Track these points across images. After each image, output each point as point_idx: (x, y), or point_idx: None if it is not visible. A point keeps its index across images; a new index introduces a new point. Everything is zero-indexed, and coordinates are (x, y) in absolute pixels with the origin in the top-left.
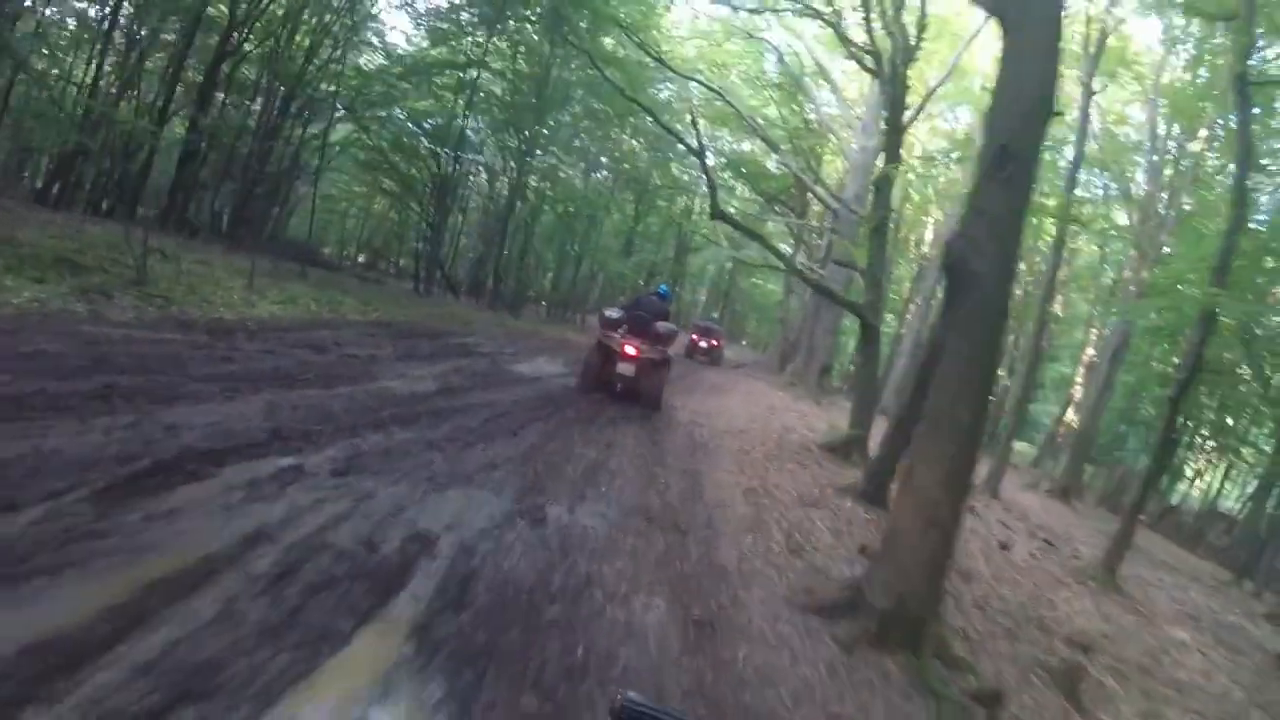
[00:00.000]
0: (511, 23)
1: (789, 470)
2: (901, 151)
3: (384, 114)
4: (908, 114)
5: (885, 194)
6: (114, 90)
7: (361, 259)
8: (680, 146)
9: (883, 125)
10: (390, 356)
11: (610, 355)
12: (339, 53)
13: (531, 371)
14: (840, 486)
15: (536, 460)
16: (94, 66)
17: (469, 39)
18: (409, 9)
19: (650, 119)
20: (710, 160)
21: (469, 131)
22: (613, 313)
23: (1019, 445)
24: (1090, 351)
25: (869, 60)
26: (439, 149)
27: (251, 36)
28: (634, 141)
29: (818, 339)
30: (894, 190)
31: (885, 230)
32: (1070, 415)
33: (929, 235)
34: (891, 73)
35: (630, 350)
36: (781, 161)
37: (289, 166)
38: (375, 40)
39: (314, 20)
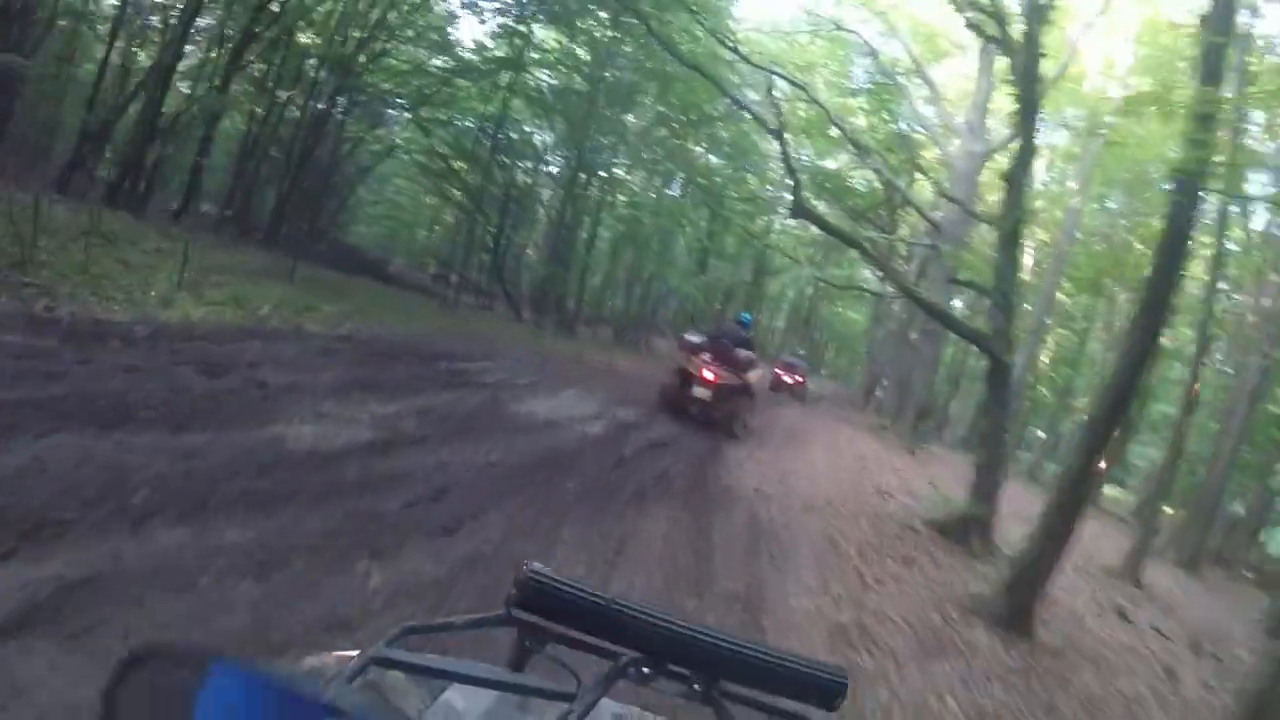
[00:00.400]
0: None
1: (892, 574)
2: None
3: (444, 116)
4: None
5: (1019, 191)
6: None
7: (432, 271)
8: (758, 158)
9: (983, 127)
10: (327, 385)
11: (688, 379)
12: (390, 45)
13: (545, 412)
14: (965, 603)
15: (465, 589)
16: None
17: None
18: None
19: (725, 102)
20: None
21: (535, 137)
22: (695, 337)
23: (1110, 491)
24: (1197, 387)
25: (990, 26)
26: (500, 155)
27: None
28: (710, 157)
29: (915, 376)
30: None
31: (1019, 238)
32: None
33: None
34: (1024, 38)
35: (708, 375)
36: (875, 168)
37: (340, 165)
38: (435, 36)
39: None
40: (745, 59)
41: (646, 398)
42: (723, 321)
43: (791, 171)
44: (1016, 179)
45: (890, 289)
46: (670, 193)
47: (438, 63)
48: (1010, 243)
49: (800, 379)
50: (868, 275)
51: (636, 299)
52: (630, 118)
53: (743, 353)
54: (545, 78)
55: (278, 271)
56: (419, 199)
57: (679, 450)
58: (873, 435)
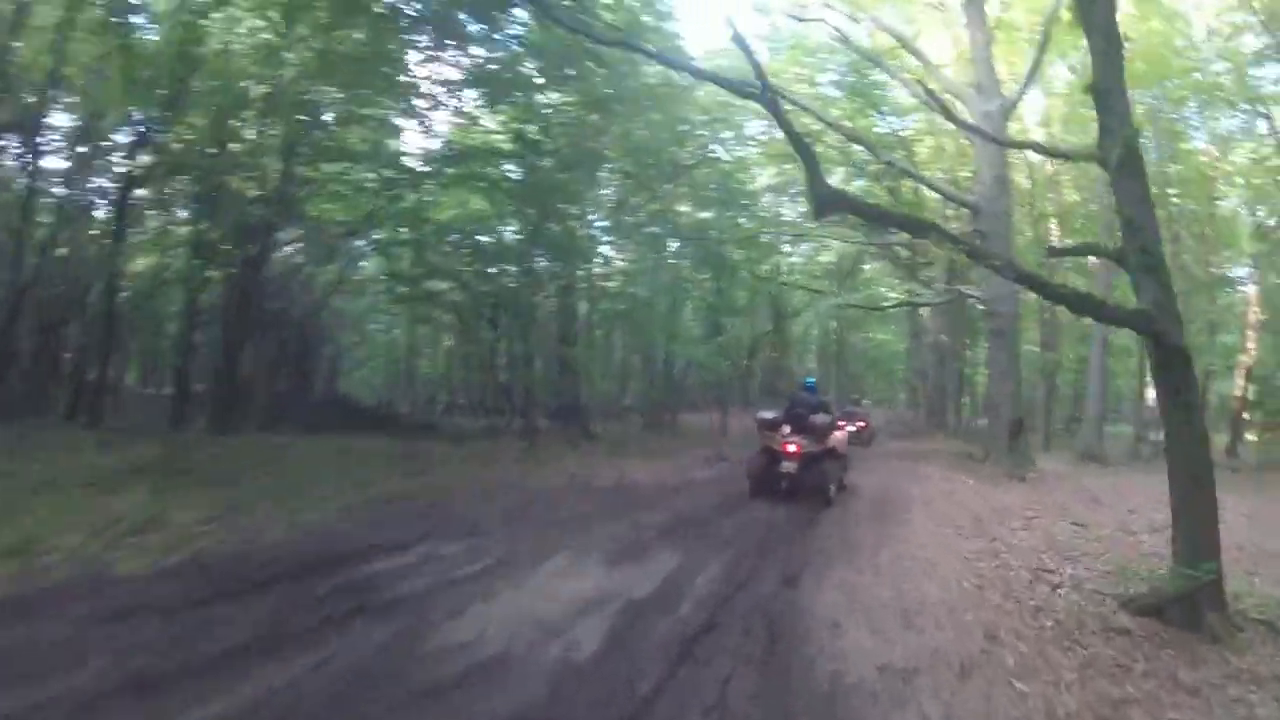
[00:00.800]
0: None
1: None
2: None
3: (404, 234)
4: None
5: (1116, 96)
6: None
7: (441, 406)
8: (746, 201)
9: (993, 81)
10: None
11: (774, 456)
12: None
13: (486, 649)
14: None
15: None
16: None
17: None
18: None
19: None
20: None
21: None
22: (768, 414)
23: None
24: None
25: None
26: (477, 264)
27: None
28: (700, 214)
29: (996, 388)
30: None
31: (1139, 165)
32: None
33: None
34: None
35: (791, 449)
36: (887, 160)
37: (304, 313)
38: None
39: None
40: (713, 78)
41: (674, 525)
42: (794, 392)
43: (801, 148)
44: (1108, 78)
45: (926, 296)
46: (665, 258)
47: (377, 176)
48: (1131, 173)
49: (864, 424)
50: (887, 292)
51: (657, 379)
52: (606, 192)
53: (820, 418)
54: (508, 170)
55: (166, 466)
56: (414, 331)
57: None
58: (965, 470)
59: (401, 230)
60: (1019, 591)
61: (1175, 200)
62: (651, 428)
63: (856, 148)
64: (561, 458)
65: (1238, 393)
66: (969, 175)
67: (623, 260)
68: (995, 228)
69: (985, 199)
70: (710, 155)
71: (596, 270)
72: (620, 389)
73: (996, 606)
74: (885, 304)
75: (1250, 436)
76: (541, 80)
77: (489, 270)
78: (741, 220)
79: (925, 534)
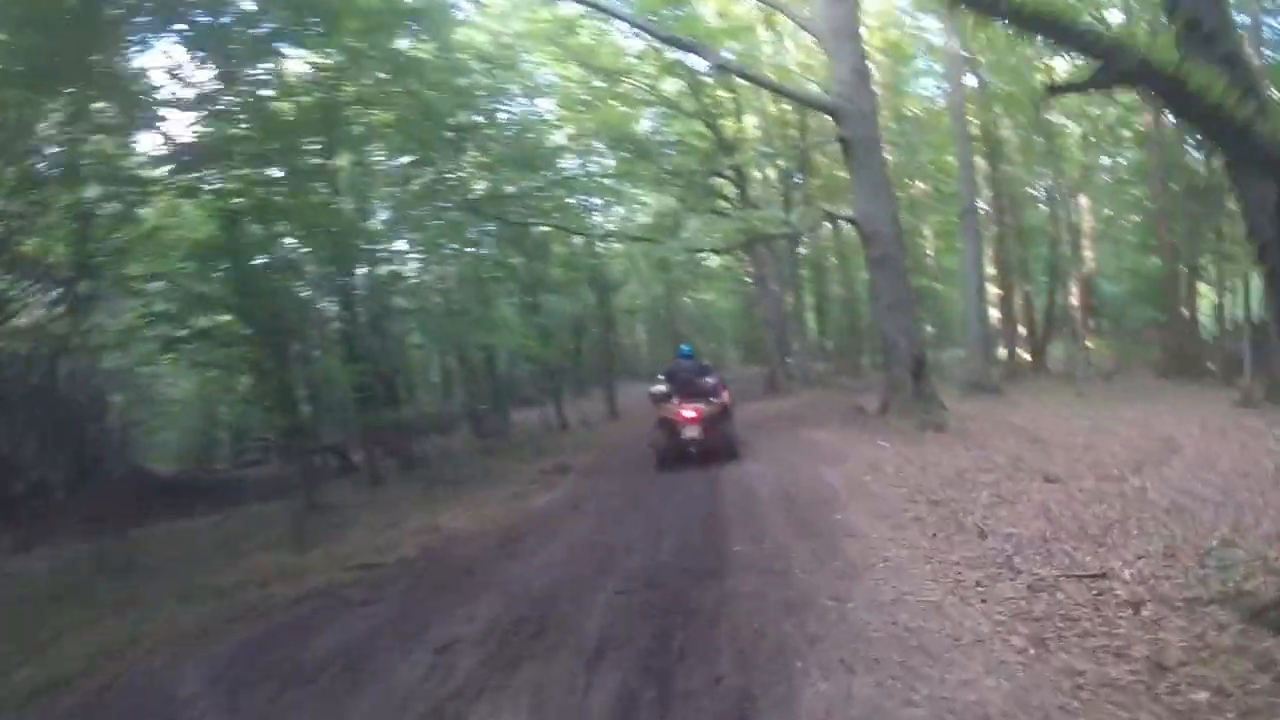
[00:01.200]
0: None
1: None
2: None
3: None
4: None
5: None
6: None
7: (249, 458)
8: (552, 173)
9: None
10: None
11: (674, 426)
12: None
13: None
14: None
15: None
16: None
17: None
18: None
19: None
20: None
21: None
22: (659, 388)
23: None
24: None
25: None
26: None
27: None
28: (506, 186)
29: (886, 323)
30: None
31: None
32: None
33: None
34: None
35: (689, 414)
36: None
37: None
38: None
39: None
40: None
41: (510, 635)
42: (673, 362)
43: None
44: None
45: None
46: (466, 242)
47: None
48: None
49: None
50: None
51: (481, 380)
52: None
53: (708, 379)
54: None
55: None
56: (204, 377)
57: None
58: (866, 429)
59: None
60: (1095, 629)
61: None
62: (484, 435)
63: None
64: (355, 515)
65: (1076, 301)
66: None
67: (416, 254)
68: (862, 132)
69: (845, 99)
70: (500, 111)
71: (391, 270)
72: (444, 397)
73: (1094, 682)
74: (743, 238)
75: (1089, 345)
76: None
77: (266, 292)
78: (541, 183)
79: (882, 545)
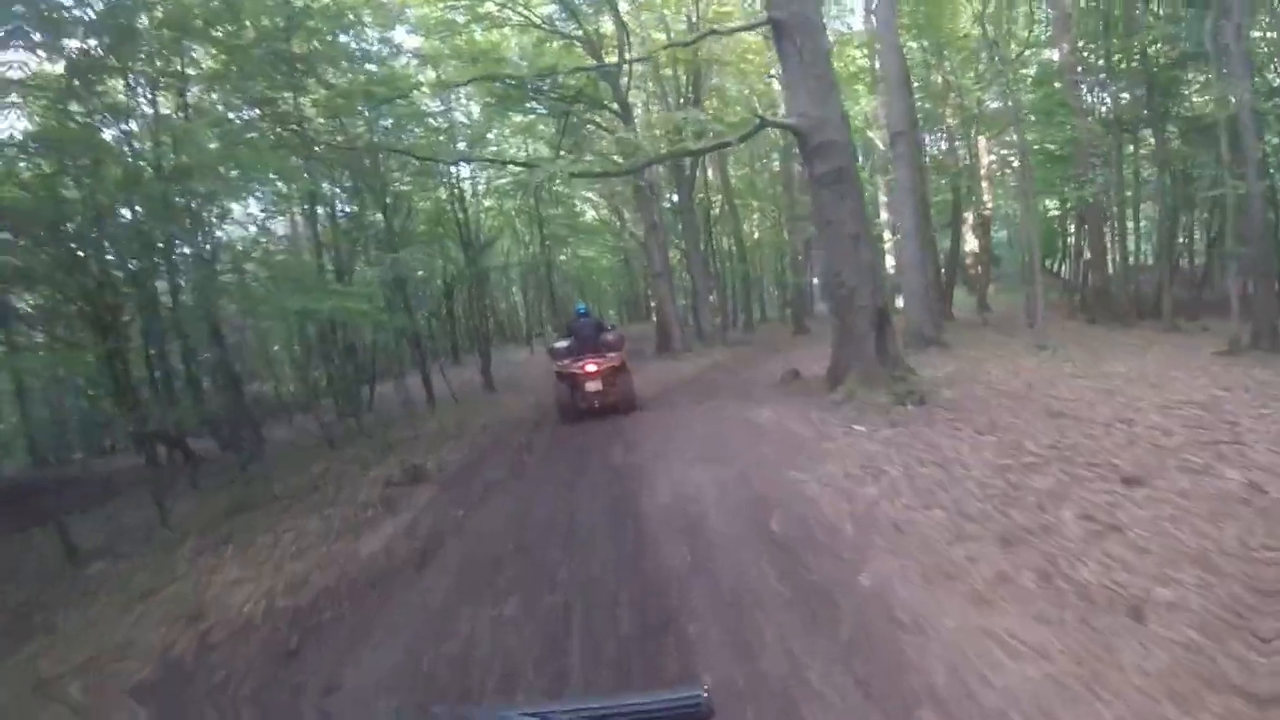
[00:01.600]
0: None
1: None
2: None
3: None
4: None
5: None
6: None
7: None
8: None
9: None
10: None
11: (576, 380)
12: None
13: None
14: None
15: None
16: None
17: None
18: None
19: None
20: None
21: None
22: (560, 344)
23: None
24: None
25: None
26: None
27: None
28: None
29: (839, 262)
30: None
31: None
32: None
33: None
34: None
35: (591, 368)
36: None
37: None
38: None
39: None
40: None
41: None
42: (571, 321)
43: None
44: None
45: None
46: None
47: None
48: None
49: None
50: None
51: (339, 357)
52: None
53: (609, 336)
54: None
55: None
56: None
57: None
58: (824, 406)
59: None
60: None
61: None
62: (343, 417)
63: None
64: (131, 571)
65: (975, 247)
66: None
67: (255, 213)
68: (798, 8)
69: None
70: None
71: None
72: (303, 378)
73: None
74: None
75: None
76: None
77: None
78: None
79: (982, 655)
